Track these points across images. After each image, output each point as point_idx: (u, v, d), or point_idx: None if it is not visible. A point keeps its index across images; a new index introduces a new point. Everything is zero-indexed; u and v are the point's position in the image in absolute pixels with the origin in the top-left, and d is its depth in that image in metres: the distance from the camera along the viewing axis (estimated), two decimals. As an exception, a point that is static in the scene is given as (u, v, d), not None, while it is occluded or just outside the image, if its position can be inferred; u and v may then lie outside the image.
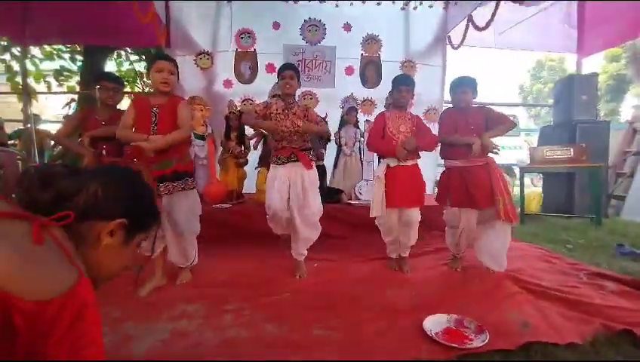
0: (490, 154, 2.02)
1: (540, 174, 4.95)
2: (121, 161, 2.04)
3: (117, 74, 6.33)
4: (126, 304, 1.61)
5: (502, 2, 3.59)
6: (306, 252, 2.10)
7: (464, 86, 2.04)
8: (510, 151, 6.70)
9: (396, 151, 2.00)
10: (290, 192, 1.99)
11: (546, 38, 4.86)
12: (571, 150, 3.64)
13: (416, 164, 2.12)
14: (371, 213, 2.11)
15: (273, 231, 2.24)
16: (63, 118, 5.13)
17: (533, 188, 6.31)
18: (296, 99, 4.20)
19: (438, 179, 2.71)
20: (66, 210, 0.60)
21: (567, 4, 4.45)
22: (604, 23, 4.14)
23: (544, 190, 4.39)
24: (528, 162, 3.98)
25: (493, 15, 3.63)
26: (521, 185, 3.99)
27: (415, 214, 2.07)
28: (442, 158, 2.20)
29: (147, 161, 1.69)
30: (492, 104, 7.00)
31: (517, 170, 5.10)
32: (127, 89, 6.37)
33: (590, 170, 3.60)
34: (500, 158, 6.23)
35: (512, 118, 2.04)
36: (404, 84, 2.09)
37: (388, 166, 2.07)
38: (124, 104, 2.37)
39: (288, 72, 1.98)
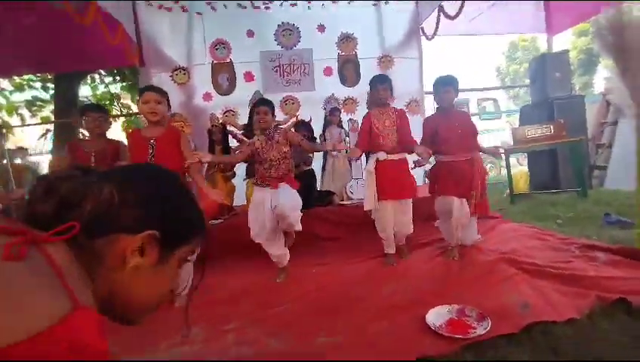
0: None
1: (525, 153, 5.06)
2: None
3: (92, 98, 6.25)
4: (125, 335, 1.56)
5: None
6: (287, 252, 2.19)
7: (447, 85, 2.16)
8: (493, 133, 6.82)
9: (351, 152, 2.25)
10: (274, 208, 2.04)
11: (516, 21, 4.97)
12: (551, 127, 3.73)
13: (405, 158, 2.23)
14: (365, 206, 2.21)
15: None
16: (50, 152, 5.00)
17: (520, 168, 6.45)
18: (277, 105, 4.20)
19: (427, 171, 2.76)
20: (70, 221, 0.44)
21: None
22: (570, 1, 4.25)
23: (530, 168, 4.48)
24: (512, 143, 4.06)
25: (462, 5, 3.69)
26: (507, 166, 4.06)
27: (409, 205, 2.23)
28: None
29: None
30: (471, 90, 7.18)
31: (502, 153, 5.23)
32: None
33: (571, 144, 3.70)
34: (486, 142, 6.35)
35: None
36: (380, 82, 2.23)
37: (377, 160, 2.16)
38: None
39: (262, 108, 2.08)
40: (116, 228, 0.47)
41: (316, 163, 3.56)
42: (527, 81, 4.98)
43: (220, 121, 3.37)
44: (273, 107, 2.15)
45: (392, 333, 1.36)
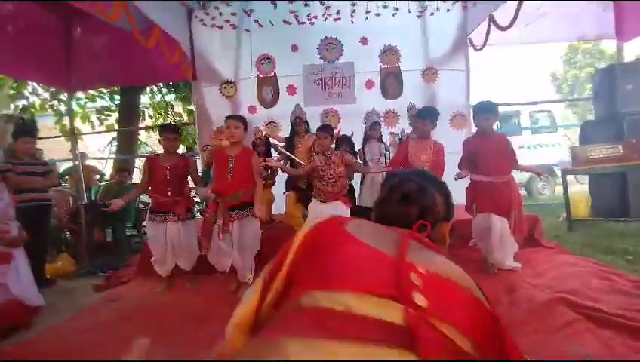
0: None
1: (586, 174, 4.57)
2: (182, 198, 2.52)
3: (150, 106, 6.84)
4: (172, 342, 1.66)
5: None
6: None
7: (487, 112, 2.28)
8: (548, 149, 6.25)
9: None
10: None
11: (577, 26, 4.53)
12: (620, 147, 3.34)
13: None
14: None
15: None
16: (113, 156, 5.57)
17: (579, 186, 5.83)
18: (318, 117, 4.30)
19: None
20: (427, 220, 0.67)
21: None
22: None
23: (592, 192, 4.03)
24: (571, 162, 3.70)
25: (517, 14, 3.46)
26: (565, 188, 3.69)
27: None
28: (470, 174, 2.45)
29: (223, 196, 2.24)
30: (524, 103, 6.65)
31: (558, 171, 4.75)
32: (161, 120, 6.80)
33: (644, 167, 3.27)
34: (539, 158, 5.93)
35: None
36: (421, 117, 2.48)
37: None
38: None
39: (322, 133, 2.44)
40: (441, 218, 0.72)
41: (355, 177, 3.54)
42: (589, 88, 4.51)
43: (264, 134, 3.50)
44: (332, 131, 2.49)
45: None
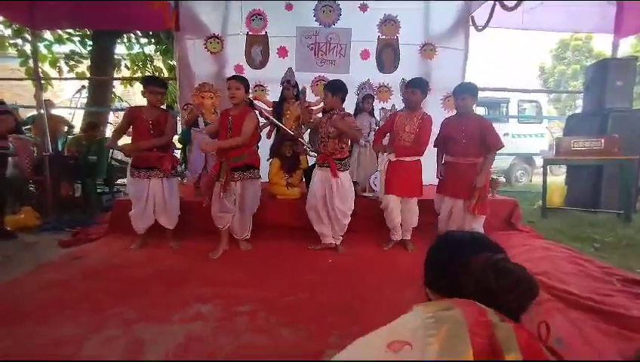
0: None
1: (563, 165, 4.71)
2: (167, 155, 2.41)
3: (127, 57, 6.29)
4: (140, 304, 1.59)
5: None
6: (341, 237, 2.48)
7: (464, 93, 2.27)
8: (532, 138, 6.37)
9: (373, 147, 2.63)
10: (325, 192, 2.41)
11: (579, 18, 4.49)
12: (602, 141, 3.41)
13: (416, 161, 2.40)
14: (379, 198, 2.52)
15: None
16: (84, 107, 5.14)
17: (554, 178, 6.06)
18: (309, 85, 4.06)
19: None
20: None
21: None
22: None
23: (568, 182, 4.17)
24: (553, 153, 3.77)
25: (525, -7, 3.32)
26: (544, 177, 3.79)
27: (413, 203, 2.44)
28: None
29: (227, 156, 2.23)
30: (512, 90, 6.68)
31: (540, 161, 4.88)
32: (139, 73, 6.29)
33: (620, 162, 3.38)
34: (523, 146, 6.02)
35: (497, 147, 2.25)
36: (411, 86, 2.37)
37: (389, 160, 2.42)
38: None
39: (326, 92, 2.39)
40: None
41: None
42: (574, 85, 4.55)
43: (249, 97, 3.29)
44: (342, 90, 2.36)
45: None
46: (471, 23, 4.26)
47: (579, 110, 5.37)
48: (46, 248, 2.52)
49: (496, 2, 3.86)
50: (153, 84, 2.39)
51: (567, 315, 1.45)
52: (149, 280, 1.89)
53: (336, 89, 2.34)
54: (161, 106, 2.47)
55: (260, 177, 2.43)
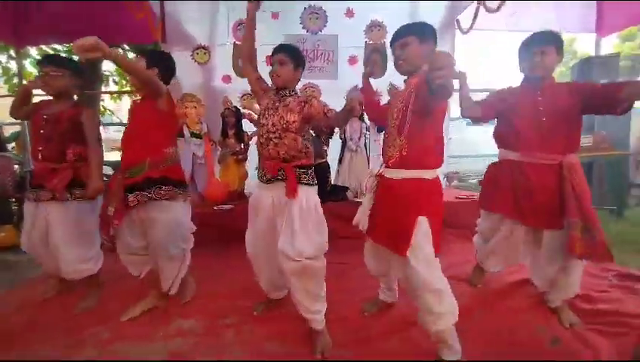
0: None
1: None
2: (65, 165, 1.63)
3: (115, 72, 6.27)
4: (118, 323, 1.51)
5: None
6: (318, 317, 1.35)
7: (543, 44, 1.39)
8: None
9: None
10: (277, 228, 1.37)
11: (562, 18, 4.58)
12: (591, 138, 3.43)
13: (419, 180, 1.23)
14: (353, 221, 1.47)
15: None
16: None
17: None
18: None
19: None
20: None
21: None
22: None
23: (560, 180, 4.18)
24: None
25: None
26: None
27: (411, 270, 1.18)
28: (497, 146, 1.60)
29: (122, 167, 1.48)
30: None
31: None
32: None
33: (610, 158, 3.39)
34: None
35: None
36: (396, 38, 1.37)
37: (374, 176, 1.42)
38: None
39: (277, 56, 1.43)
40: None
41: (332, 155, 3.42)
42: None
43: (234, 105, 3.28)
44: (298, 56, 1.49)
45: (401, 351, 1.24)
46: (456, 26, 4.33)
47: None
48: (26, 268, 2.43)
49: (479, 6, 3.92)
50: (42, 63, 1.67)
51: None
52: (127, 298, 1.80)
53: (294, 55, 1.45)
54: (67, 95, 1.73)
55: (181, 196, 1.55)
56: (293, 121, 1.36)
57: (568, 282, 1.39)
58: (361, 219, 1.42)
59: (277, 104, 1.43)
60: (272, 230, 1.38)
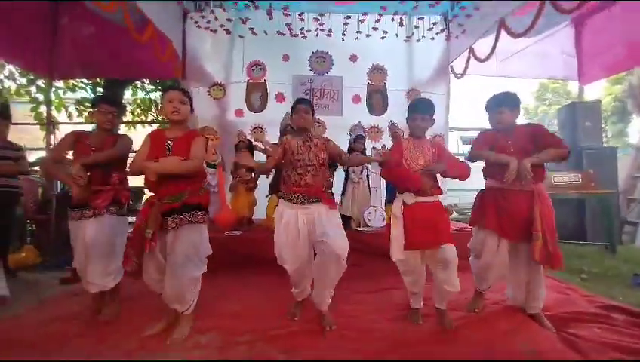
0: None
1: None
2: (109, 188, 1.87)
3: (133, 103, 6.70)
4: (140, 336, 1.63)
5: (501, 34, 3.74)
6: (329, 300, 1.82)
7: (500, 105, 1.82)
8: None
9: (421, 184, 1.71)
10: (312, 236, 1.76)
11: (547, 67, 4.99)
12: (579, 176, 3.65)
13: (439, 201, 1.80)
14: (391, 255, 1.81)
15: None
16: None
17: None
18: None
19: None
20: None
21: (564, 34, 4.62)
22: (602, 53, 4.26)
23: (556, 216, 4.34)
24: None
25: (493, 48, 3.78)
26: (530, 210, 3.96)
27: (451, 251, 1.67)
28: (484, 177, 1.97)
29: (159, 195, 1.65)
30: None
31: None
32: (143, 117, 6.66)
33: (600, 196, 3.59)
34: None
35: (565, 145, 1.79)
36: (417, 111, 1.83)
37: (404, 203, 1.76)
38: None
39: (302, 106, 1.86)
40: None
41: (336, 186, 3.62)
42: (556, 123, 4.94)
43: (247, 137, 3.54)
44: (313, 108, 1.93)
45: None
46: (451, 72, 4.74)
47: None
48: (46, 286, 2.55)
49: (471, 54, 4.34)
50: (104, 102, 1.95)
51: (546, 333, 1.54)
52: (147, 313, 1.93)
53: (310, 105, 1.89)
54: (114, 131, 2.03)
55: (205, 221, 1.76)
56: (323, 158, 1.82)
57: (541, 292, 1.76)
58: (397, 250, 1.78)
59: (307, 143, 1.84)
60: (305, 240, 1.77)
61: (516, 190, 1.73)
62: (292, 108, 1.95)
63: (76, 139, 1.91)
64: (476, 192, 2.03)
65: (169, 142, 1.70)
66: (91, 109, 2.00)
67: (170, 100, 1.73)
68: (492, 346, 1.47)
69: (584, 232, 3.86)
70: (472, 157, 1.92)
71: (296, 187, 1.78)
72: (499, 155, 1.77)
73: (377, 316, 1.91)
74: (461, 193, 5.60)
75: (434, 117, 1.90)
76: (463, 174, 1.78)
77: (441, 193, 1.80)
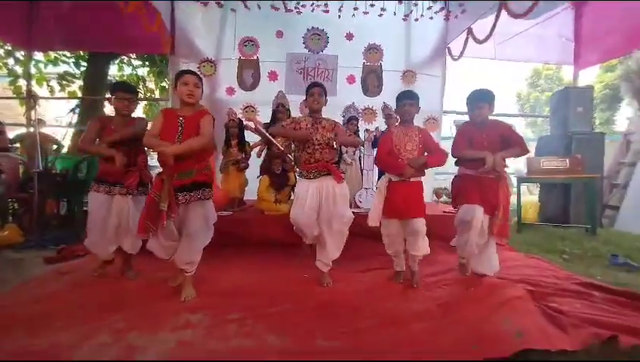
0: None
1: (537, 183, 5.02)
2: (135, 169, 2.11)
3: (119, 79, 6.43)
4: (130, 314, 1.63)
5: (501, 15, 3.67)
6: (331, 263, 2.13)
7: (480, 101, 2.10)
8: (508, 160, 6.74)
9: (404, 171, 2.05)
10: (322, 205, 2.08)
11: (544, 50, 4.97)
12: (567, 161, 3.71)
13: (420, 181, 2.16)
14: (369, 222, 2.18)
15: (303, 240, 2.33)
16: (74, 125, 5.16)
17: (530, 197, 6.37)
18: (298, 106, 4.22)
19: (449, 185, 2.53)
20: None
21: (563, 17, 4.56)
22: (600, 38, 4.24)
23: (541, 199, 4.45)
24: (526, 172, 4.05)
25: (493, 29, 3.72)
26: (518, 195, 4.03)
27: (419, 224, 2.05)
28: (456, 166, 2.29)
29: (170, 172, 1.76)
30: (490, 114, 7.13)
31: (514, 180, 5.18)
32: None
33: (585, 180, 3.67)
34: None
35: (526, 144, 2.11)
36: (407, 98, 2.14)
37: (390, 180, 2.14)
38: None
39: (317, 89, 2.13)
40: None
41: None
42: (548, 110, 4.97)
43: (238, 117, 3.43)
44: (326, 91, 2.18)
45: (390, 343, 1.40)
46: (448, 53, 4.66)
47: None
48: (31, 265, 2.51)
49: (469, 35, 4.26)
50: (121, 89, 2.15)
51: (528, 311, 1.62)
52: (138, 292, 1.93)
53: (324, 88, 2.18)
54: (132, 115, 2.22)
55: (211, 197, 1.92)
56: (329, 137, 2.11)
57: (488, 254, 2.15)
58: (374, 217, 2.18)
59: (316, 125, 2.13)
60: (316, 206, 2.08)
61: (489, 178, 2.06)
62: (306, 91, 2.18)
63: (102, 126, 2.13)
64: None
65: (181, 119, 1.84)
66: (109, 95, 2.19)
67: (186, 83, 1.85)
68: (480, 323, 1.52)
69: (568, 215, 3.98)
70: (455, 156, 2.22)
71: (308, 164, 2.11)
72: (476, 152, 2.08)
73: (367, 295, 1.94)
74: (449, 176, 5.69)
75: (420, 103, 2.19)
76: (440, 163, 2.14)
77: (423, 175, 2.16)
